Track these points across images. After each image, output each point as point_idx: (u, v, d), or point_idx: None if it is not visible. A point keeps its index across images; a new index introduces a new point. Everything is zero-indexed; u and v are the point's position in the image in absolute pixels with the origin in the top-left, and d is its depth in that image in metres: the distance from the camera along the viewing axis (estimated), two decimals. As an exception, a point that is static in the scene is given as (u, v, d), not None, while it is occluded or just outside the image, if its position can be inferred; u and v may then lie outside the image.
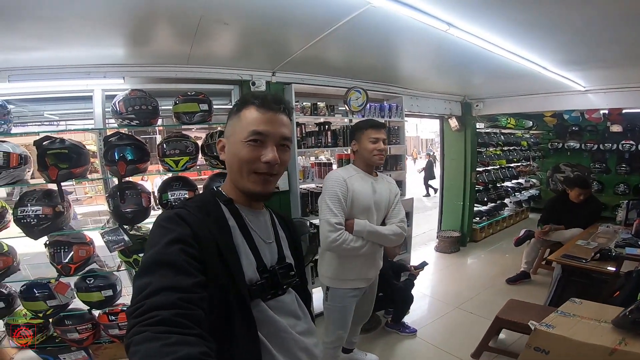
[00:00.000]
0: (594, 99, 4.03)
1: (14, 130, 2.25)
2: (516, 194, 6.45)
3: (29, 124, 2.76)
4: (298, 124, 3.03)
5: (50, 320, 2.40)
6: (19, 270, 2.41)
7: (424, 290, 3.62)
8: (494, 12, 1.87)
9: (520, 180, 6.71)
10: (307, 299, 1.02)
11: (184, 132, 2.54)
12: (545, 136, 7.12)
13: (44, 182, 2.17)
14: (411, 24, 1.95)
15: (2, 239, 2.34)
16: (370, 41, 2.36)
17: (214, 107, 2.50)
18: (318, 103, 3.15)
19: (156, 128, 2.63)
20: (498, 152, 6.05)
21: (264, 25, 2.04)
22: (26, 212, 2.08)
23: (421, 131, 24.31)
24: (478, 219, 5.40)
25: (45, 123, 2.94)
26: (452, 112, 4.67)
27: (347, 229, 1.82)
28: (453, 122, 4.73)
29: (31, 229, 2.10)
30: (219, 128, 2.78)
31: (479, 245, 5.14)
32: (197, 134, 4.43)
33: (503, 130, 6.20)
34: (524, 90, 4.21)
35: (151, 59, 2.46)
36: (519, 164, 6.66)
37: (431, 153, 14.12)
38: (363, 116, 3.34)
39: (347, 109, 3.23)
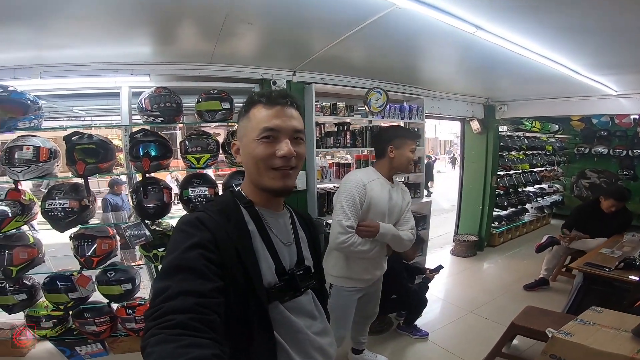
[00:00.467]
0: (626, 103, 3.89)
1: (44, 125, 2.34)
2: (538, 199, 6.29)
3: (57, 119, 2.86)
4: (317, 124, 3.04)
5: (70, 312, 2.47)
6: (44, 262, 2.49)
7: (437, 294, 3.59)
8: (526, 15, 1.83)
9: (543, 186, 6.53)
10: (324, 298, 1.04)
11: (203, 129, 2.59)
12: (572, 140, 6.92)
13: (71, 176, 2.25)
14: (437, 26, 1.93)
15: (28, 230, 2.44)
16: (393, 42, 2.35)
17: (235, 105, 2.54)
18: (338, 103, 3.15)
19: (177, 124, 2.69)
20: (521, 156, 5.90)
21: (287, 25, 2.06)
22: (54, 205, 2.17)
23: (440, 132, 23.91)
24: (497, 223, 5.30)
25: (72, 118, 3.04)
26: (474, 115, 4.58)
27: (367, 231, 1.84)
28: (475, 125, 4.65)
29: (58, 222, 2.19)
30: (236, 126, 2.80)
31: (496, 250, 5.06)
32: (215, 130, 4.51)
33: (527, 134, 6.05)
34: (552, 93, 4.10)
35: (176, 57, 2.51)
36: (542, 168, 6.48)
37: (431, 157, 14.31)
38: (383, 117, 3.33)
39: (367, 109, 3.22)
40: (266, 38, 2.31)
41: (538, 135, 6.36)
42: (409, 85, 3.68)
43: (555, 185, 6.83)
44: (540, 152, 6.39)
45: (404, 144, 1.94)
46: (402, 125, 3.65)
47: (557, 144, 6.90)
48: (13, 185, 2.21)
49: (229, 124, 2.66)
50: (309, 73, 3.02)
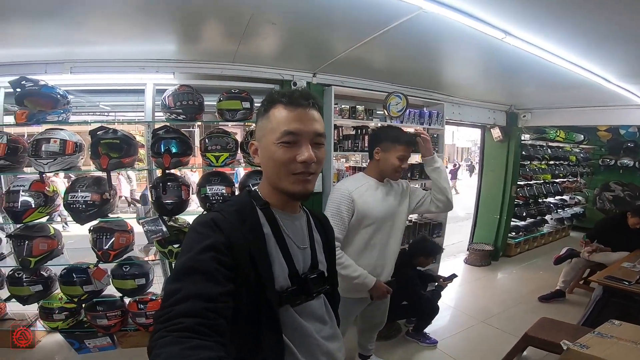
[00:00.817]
0: (656, 115, 3.76)
1: (71, 119, 2.41)
2: (559, 210, 6.18)
3: (83, 113, 2.95)
4: (335, 127, 3.05)
5: (83, 305, 2.51)
6: (62, 254, 2.55)
7: (448, 302, 3.54)
8: (558, 21, 1.81)
9: (564, 197, 6.41)
10: (335, 302, 1.05)
11: (220, 127, 2.63)
12: (597, 152, 6.76)
13: (93, 169, 2.31)
14: (462, 31, 1.92)
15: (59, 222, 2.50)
16: (416, 46, 2.35)
17: (255, 105, 2.57)
18: (357, 106, 3.15)
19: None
20: (543, 166, 5.78)
21: (311, 26, 2.07)
22: (76, 197, 2.23)
23: (457, 139, 23.52)
24: (514, 233, 5.22)
25: (97, 113, 3.13)
26: (496, 122, 4.51)
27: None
28: (496, 132, 4.57)
29: (79, 214, 2.25)
30: (253, 126, 2.85)
31: (512, 260, 4.98)
32: (231, 129, 4.57)
33: (550, 143, 5.94)
34: (579, 102, 4.00)
35: (200, 56, 2.57)
36: (564, 179, 6.34)
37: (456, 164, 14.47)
38: (402, 122, 3.31)
39: (386, 113, 3.21)
40: (289, 38, 2.34)
41: (562, 145, 6.24)
42: (429, 90, 3.65)
43: (577, 197, 6.69)
44: (563, 162, 6.26)
45: (392, 147, 1.81)
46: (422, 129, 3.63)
47: (582, 155, 6.76)
48: (38, 177, 2.27)
49: (246, 123, 2.68)
50: (329, 75, 3.03)
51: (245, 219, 0.82)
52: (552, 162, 6.00)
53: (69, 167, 2.26)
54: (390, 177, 1.87)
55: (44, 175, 2.25)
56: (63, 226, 2.67)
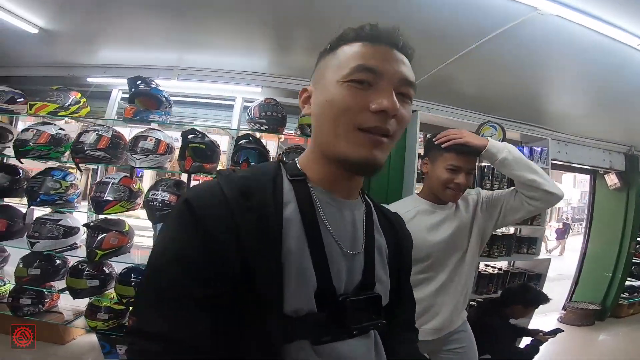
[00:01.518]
0: None
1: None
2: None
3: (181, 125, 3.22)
4: (420, 156, 2.83)
5: (130, 308, 2.43)
6: (129, 252, 2.57)
7: None
8: None
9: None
10: (408, 341, 0.73)
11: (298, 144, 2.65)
12: None
13: (178, 171, 2.44)
14: (584, 39, 1.65)
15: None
16: (519, 61, 2.18)
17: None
18: (443, 136, 2.92)
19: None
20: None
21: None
22: (156, 195, 2.33)
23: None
24: (627, 294, 4.56)
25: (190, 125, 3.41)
26: (612, 166, 3.90)
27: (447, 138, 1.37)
28: (611, 179, 3.91)
29: (153, 213, 2.31)
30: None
31: (621, 321, 4.37)
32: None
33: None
34: None
35: (287, 71, 2.73)
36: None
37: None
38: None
39: (478, 146, 2.91)
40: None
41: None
42: (529, 124, 3.31)
43: None
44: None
45: (439, 156, 1.37)
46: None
47: None
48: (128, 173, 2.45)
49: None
50: (413, 99, 2.90)
51: (254, 192, 0.53)
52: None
53: (158, 166, 2.41)
54: (441, 197, 1.41)
55: (133, 171, 2.45)
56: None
